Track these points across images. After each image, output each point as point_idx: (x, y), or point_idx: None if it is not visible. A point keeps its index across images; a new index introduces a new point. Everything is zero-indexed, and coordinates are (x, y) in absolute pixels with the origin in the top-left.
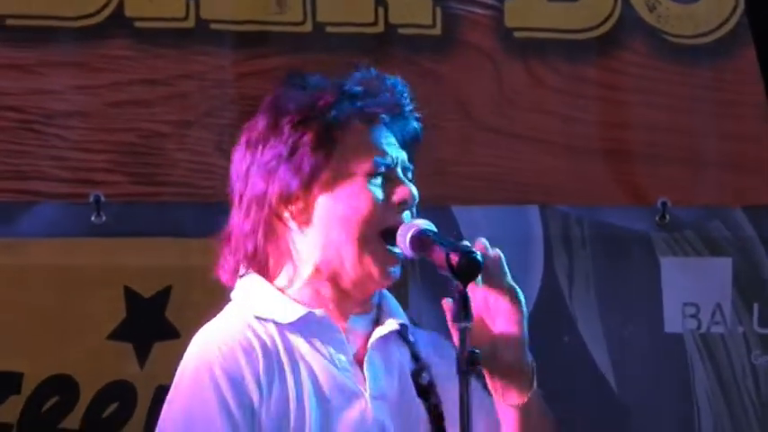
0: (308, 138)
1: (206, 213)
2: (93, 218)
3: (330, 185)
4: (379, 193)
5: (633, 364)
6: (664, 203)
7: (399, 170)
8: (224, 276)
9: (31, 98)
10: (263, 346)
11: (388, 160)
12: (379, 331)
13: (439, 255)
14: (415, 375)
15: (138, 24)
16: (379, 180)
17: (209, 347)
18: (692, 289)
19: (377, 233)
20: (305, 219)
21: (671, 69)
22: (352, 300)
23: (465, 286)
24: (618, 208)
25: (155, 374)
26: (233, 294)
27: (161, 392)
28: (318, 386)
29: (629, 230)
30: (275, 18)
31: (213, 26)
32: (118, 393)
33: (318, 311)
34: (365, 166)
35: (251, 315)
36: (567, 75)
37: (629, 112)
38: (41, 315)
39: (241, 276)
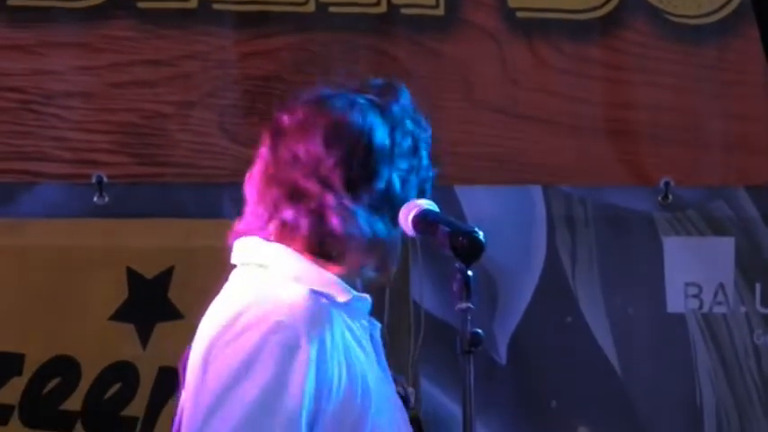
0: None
1: (208, 194)
2: (95, 198)
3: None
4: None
5: (635, 344)
6: (667, 183)
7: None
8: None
9: (32, 79)
10: (331, 317)
11: None
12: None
13: (441, 235)
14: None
15: (140, 5)
16: None
17: (291, 313)
18: (694, 269)
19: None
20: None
21: (674, 49)
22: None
23: (467, 266)
24: (621, 188)
25: (157, 355)
26: (266, 261)
27: (163, 373)
28: (366, 367)
29: (631, 210)
30: None
31: (216, 6)
32: (120, 374)
33: (364, 296)
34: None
35: (308, 288)
36: (571, 55)
37: (632, 92)
38: (43, 296)
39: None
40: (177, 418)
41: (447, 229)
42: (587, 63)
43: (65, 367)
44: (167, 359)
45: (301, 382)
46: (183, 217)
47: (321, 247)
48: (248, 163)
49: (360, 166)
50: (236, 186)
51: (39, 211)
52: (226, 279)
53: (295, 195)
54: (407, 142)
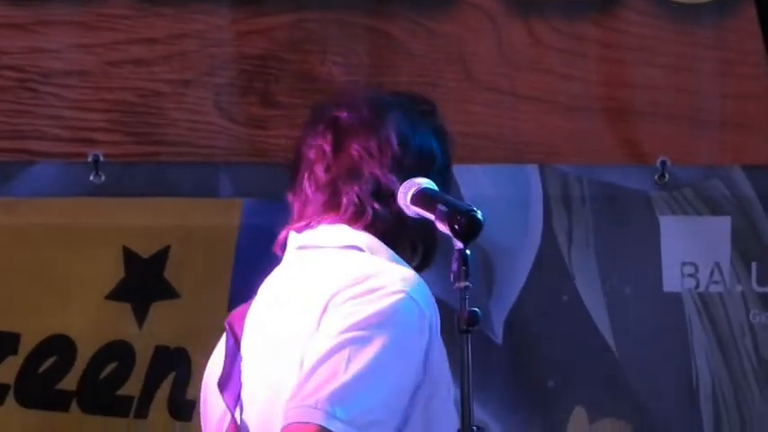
0: None
1: (205, 173)
2: (91, 177)
3: None
4: None
5: (632, 323)
6: (663, 162)
7: None
8: None
9: (29, 57)
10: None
11: None
12: None
13: (439, 213)
14: None
15: None
16: None
17: (424, 298)
18: (690, 248)
19: None
20: None
21: (672, 29)
22: None
23: (465, 245)
24: (617, 167)
25: (153, 334)
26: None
27: (159, 352)
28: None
29: (628, 189)
30: None
31: None
32: (116, 353)
33: None
34: None
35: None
36: (568, 34)
37: (629, 72)
38: (39, 275)
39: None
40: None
41: (445, 208)
42: (584, 42)
43: (60, 346)
44: (163, 338)
45: (423, 347)
46: (180, 196)
47: (397, 239)
48: (244, 142)
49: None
50: (233, 165)
51: (35, 191)
52: (221, 259)
53: (378, 190)
54: (446, 163)
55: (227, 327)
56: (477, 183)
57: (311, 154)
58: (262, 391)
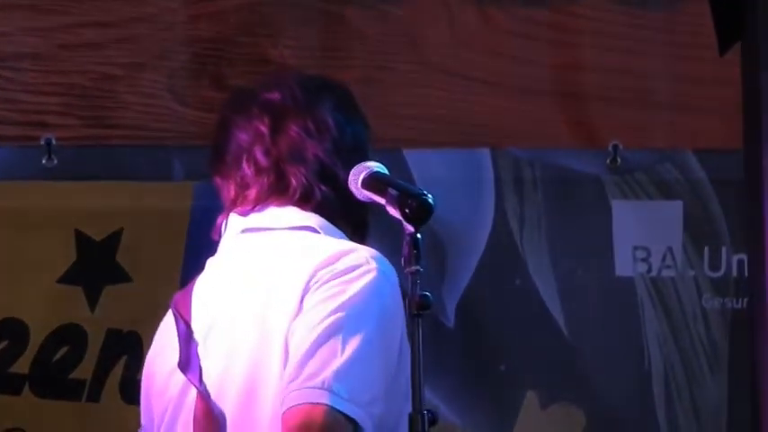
0: None
1: (158, 156)
2: (44, 161)
3: None
4: None
5: (584, 308)
6: (615, 146)
7: None
8: None
9: None
10: None
11: None
12: None
13: (390, 197)
14: None
15: None
16: None
17: (395, 275)
18: (642, 232)
19: None
20: None
21: (624, 11)
22: None
23: (417, 230)
24: (570, 151)
25: (105, 318)
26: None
27: (111, 336)
28: None
29: (580, 173)
30: None
31: None
32: (68, 337)
33: None
34: None
35: None
36: (521, 17)
37: (581, 55)
38: None
39: None
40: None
41: (396, 191)
42: (537, 25)
43: (13, 330)
44: (115, 322)
45: (402, 322)
46: (133, 179)
47: (341, 220)
48: (197, 125)
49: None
50: (185, 149)
51: None
52: (174, 243)
53: (322, 171)
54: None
55: (175, 311)
56: (428, 166)
57: (245, 136)
58: (234, 369)
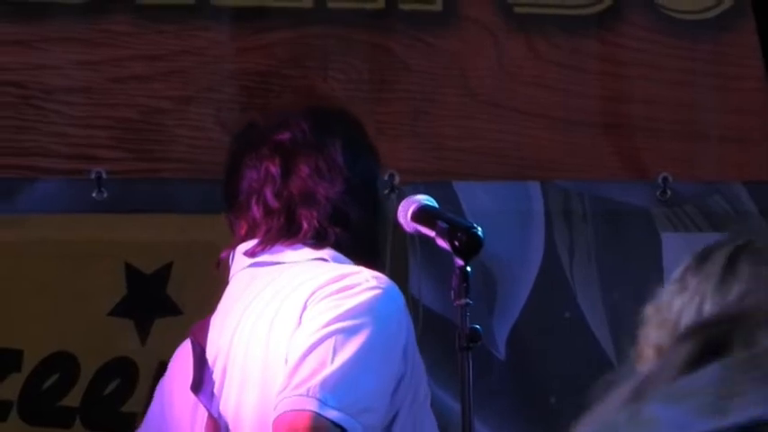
0: None
1: (207, 189)
2: (94, 194)
3: None
4: None
5: (634, 340)
6: (665, 178)
7: None
8: None
9: (31, 74)
10: None
11: None
12: None
13: (440, 231)
14: None
15: (139, 1)
16: None
17: (400, 295)
18: None
19: None
20: None
21: (672, 43)
22: None
23: (466, 263)
24: (618, 183)
25: (156, 351)
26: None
27: (162, 369)
28: None
29: (629, 205)
30: None
31: (213, 2)
32: (119, 370)
33: None
34: None
35: None
36: (568, 49)
37: (630, 87)
38: (42, 291)
39: None
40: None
41: (445, 225)
42: (584, 57)
43: (63, 363)
44: (166, 354)
45: (402, 339)
46: (181, 212)
47: (355, 255)
48: None
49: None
50: None
51: (38, 207)
52: (224, 274)
53: (335, 213)
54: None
55: (192, 337)
56: (477, 199)
57: (255, 175)
58: (246, 399)
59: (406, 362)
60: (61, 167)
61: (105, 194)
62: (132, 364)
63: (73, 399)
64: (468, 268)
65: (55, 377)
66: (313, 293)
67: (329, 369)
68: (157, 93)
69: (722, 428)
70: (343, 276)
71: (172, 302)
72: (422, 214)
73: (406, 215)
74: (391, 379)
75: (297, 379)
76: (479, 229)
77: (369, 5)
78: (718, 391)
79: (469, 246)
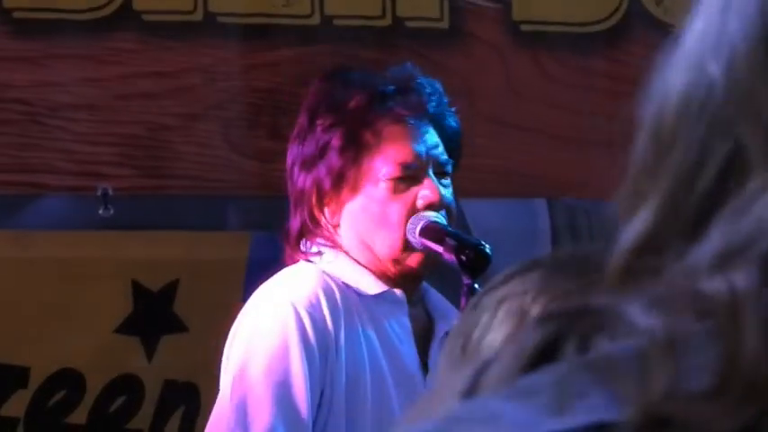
0: (336, 140)
1: (213, 207)
2: (100, 211)
3: (356, 189)
4: (404, 199)
5: None
6: None
7: (430, 170)
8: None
9: (37, 90)
10: (347, 306)
11: (416, 162)
12: (443, 328)
13: (448, 248)
14: None
15: (145, 17)
16: (403, 184)
17: (301, 294)
18: None
19: (402, 234)
20: (335, 220)
21: None
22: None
23: (474, 280)
24: None
25: (162, 368)
26: (311, 259)
27: (168, 386)
28: (383, 362)
29: None
30: (283, 11)
31: (220, 19)
32: (125, 387)
33: (398, 291)
34: (391, 170)
35: (338, 279)
36: (575, 67)
37: (636, 105)
38: (48, 309)
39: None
40: None
41: (453, 241)
42: (591, 76)
43: (70, 380)
44: (172, 372)
45: (300, 358)
46: (188, 229)
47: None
48: (252, 175)
49: None
50: (241, 198)
51: (43, 224)
52: (230, 292)
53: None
54: None
55: None
56: (485, 216)
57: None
58: None
59: (328, 368)
60: (67, 184)
61: (111, 211)
62: (138, 381)
63: (79, 416)
64: (476, 285)
65: (61, 394)
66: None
67: (227, 415)
68: (164, 110)
69: (567, 430)
70: (248, 302)
71: (178, 320)
72: (430, 231)
73: (414, 232)
74: (299, 399)
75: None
76: (487, 246)
77: (375, 23)
78: (562, 391)
79: (477, 263)
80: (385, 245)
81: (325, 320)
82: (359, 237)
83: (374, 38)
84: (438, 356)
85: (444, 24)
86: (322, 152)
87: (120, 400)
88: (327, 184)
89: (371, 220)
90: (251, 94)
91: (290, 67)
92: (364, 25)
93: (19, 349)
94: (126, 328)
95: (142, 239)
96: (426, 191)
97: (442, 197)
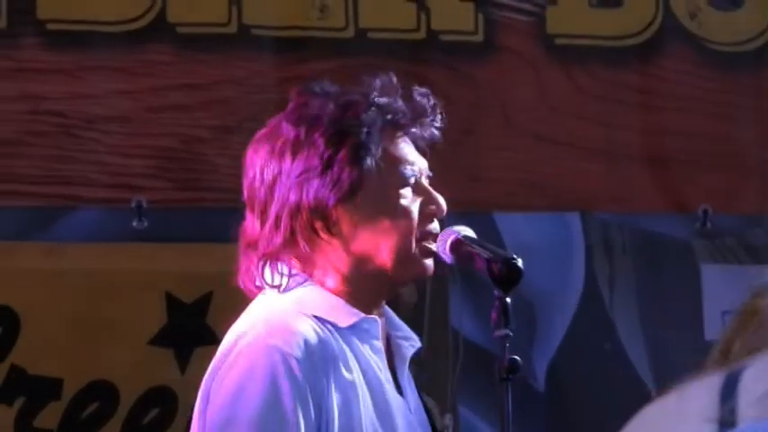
0: (343, 153)
1: None
2: (134, 223)
3: (364, 199)
4: (413, 207)
5: (673, 372)
6: (705, 211)
7: (424, 179)
8: (249, 284)
9: (72, 103)
10: (329, 345)
11: (416, 171)
12: (411, 348)
13: (479, 261)
14: (421, 396)
15: (179, 30)
16: (408, 192)
17: (285, 338)
18: (732, 297)
19: (412, 244)
20: (336, 231)
21: (711, 76)
22: (374, 304)
23: (506, 293)
24: (659, 215)
25: (195, 380)
26: (282, 292)
27: None
28: (370, 392)
29: (669, 237)
30: (317, 24)
31: (255, 32)
32: (158, 399)
33: (371, 317)
34: (396, 180)
35: (311, 315)
36: (608, 81)
37: (669, 119)
38: (82, 320)
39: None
40: None
41: (485, 255)
42: (624, 90)
43: (103, 392)
44: None
45: (293, 407)
46: (222, 242)
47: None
48: None
49: None
50: None
51: (78, 236)
52: None
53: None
54: None
55: None
56: (518, 229)
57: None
58: None
59: (322, 408)
60: (101, 196)
61: (146, 224)
62: (171, 393)
63: (112, 428)
64: (508, 299)
65: (94, 406)
66: (213, 373)
67: None
68: (198, 122)
69: None
70: (234, 343)
71: (211, 332)
72: (461, 245)
73: (445, 246)
74: None
75: None
76: (519, 259)
77: (410, 36)
78: None
79: (509, 276)
80: (398, 245)
81: (315, 366)
82: (362, 248)
83: (408, 51)
84: (408, 381)
85: (479, 38)
86: (327, 165)
87: (153, 413)
88: (332, 197)
89: (382, 228)
90: (284, 106)
91: (324, 79)
92: (398, 38)
93: (52, 361)
94: (159, 340)
95: (176, 252)
96: (433, 199)
97: (444, 206)
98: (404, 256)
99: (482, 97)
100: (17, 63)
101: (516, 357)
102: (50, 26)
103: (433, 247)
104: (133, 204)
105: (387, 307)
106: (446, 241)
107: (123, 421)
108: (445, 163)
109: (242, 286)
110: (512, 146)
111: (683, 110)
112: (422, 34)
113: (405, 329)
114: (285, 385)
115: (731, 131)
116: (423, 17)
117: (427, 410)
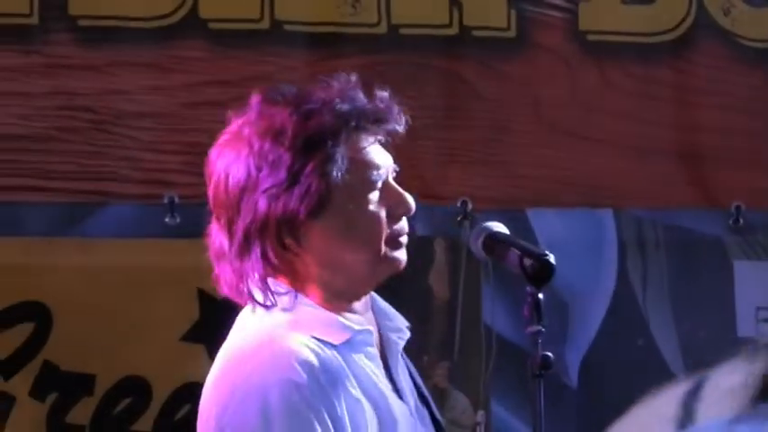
0: (310, 167)
1: None
2: (166, 219)
3: (333, 211)
4: (381, 211)
5: (706, 368)
6: (737, 207)
7: (391, 178)
8: (226, 290)
9: (103, 99)
10: (333, 367)
11: (382, 174)
12: (401, 341)
13: (512, 258)
14: (417, 385)
15: (212, 25)
16: (376, 195)
17: (293, 367)
18: (765, 293)
19: (381, 247)
20: (306, 244)
21: (744, 72)
22: (357, 299)
23: (538, 290)
24: (691, 211)
25: None
26: (271, 310)
27: None
28: (374, 407)
29: (702, 234)
30: (350, 19)
31: (287, 27)
32: (191, 395)
33: (365, 329)
34: (364, 187)
35: (309, 335)
36: (641, 77)
37: (702, 115)
38: (114, 316)
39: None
40: None
41: (517, 251)
42: (657, 86)
43: (136, 388)
44: None
45: (316, 416)
46: None
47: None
48: None
49: None
50: None
51: (110, 231)
52: None
53: None
54: None
55: None
56: (551, 226)
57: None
58: None
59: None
60: (133, 192)
61: (178, 219)
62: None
63: (145, 423)
64: (541, 295)
65: (127, 401)
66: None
67: None
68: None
69: None
70: (247, 376)
71: None
72: (494, 241)
73: (477, 242)
74: None
75: None
76: (551, 256)
77: (442, 32)
78: None
79: (541, 273)
80: (369, 251)
81: (324, 389)
82: (333, 259)
83: (440, 47)
84: (403, 374)
85: (511, 33)
86: (294, 179)
87: (185, 408)
88: (302, 210)
89: (352, 237)
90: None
91: (355, 75)
92: (431, 34)
93: (85, 357)
94: (192, 336)
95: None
96: (401, 198)
97: (412, 203)
98: (374, 260)
99: (514, 94)
100: (49, 59)
101: (549, 354)
102: (82, 22)
103: (403, 240)
104: (165, 200)
105: (374, 295)
106: (479, 238)
107: (155, 417)
108: (478, 160)
109: (219, 292)
110: (544, 142)
111: (716, 106)
112: (454, 30)
113: (393, 316)
114: (306, 414)
115: (764, 128)
116: (455, 13)
117: (424, 401)
